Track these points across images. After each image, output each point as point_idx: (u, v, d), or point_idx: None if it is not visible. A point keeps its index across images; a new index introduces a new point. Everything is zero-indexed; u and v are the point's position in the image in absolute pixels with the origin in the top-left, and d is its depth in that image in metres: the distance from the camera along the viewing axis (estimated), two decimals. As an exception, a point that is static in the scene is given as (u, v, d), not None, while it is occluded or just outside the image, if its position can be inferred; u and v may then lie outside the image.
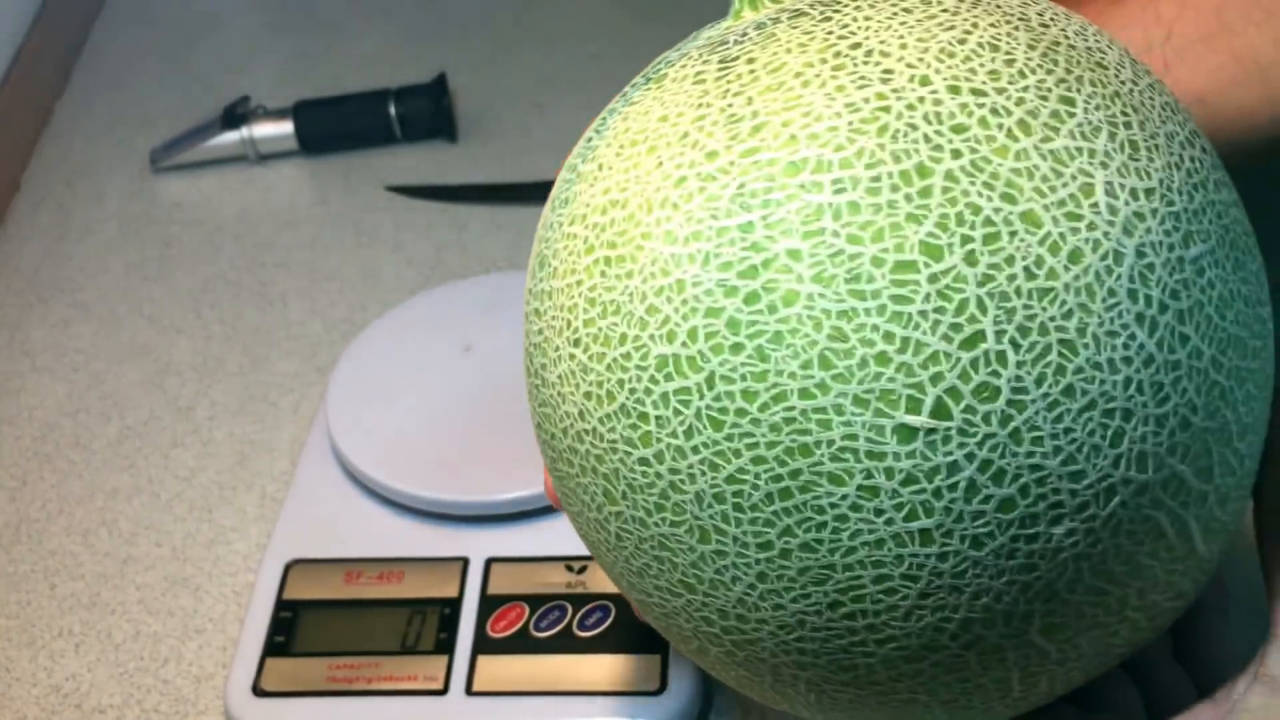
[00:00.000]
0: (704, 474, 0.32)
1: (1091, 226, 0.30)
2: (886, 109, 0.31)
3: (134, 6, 1.00)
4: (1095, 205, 0.31)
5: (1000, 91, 0.31)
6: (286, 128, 0.83)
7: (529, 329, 0.36)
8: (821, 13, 0.34)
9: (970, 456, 0.30)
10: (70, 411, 0.70)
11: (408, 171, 0.83)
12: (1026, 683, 0.34)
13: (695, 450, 0.32)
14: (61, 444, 0.68)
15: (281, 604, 0.57)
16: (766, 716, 0.54)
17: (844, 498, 0.31)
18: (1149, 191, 0.31)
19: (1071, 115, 0.31)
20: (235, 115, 0.83)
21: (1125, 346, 0.30)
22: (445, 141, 0.84)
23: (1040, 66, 0.32)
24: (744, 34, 0.34)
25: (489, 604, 0.56)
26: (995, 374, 0.30)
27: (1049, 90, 0.32)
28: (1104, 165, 0.31)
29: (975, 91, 0.31)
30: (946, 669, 0.33)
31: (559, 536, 0.58)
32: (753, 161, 0.31)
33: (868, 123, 0.31)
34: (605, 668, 0.54)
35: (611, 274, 0.33)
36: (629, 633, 0.55)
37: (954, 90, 0.31)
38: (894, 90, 0.31)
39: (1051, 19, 0.34)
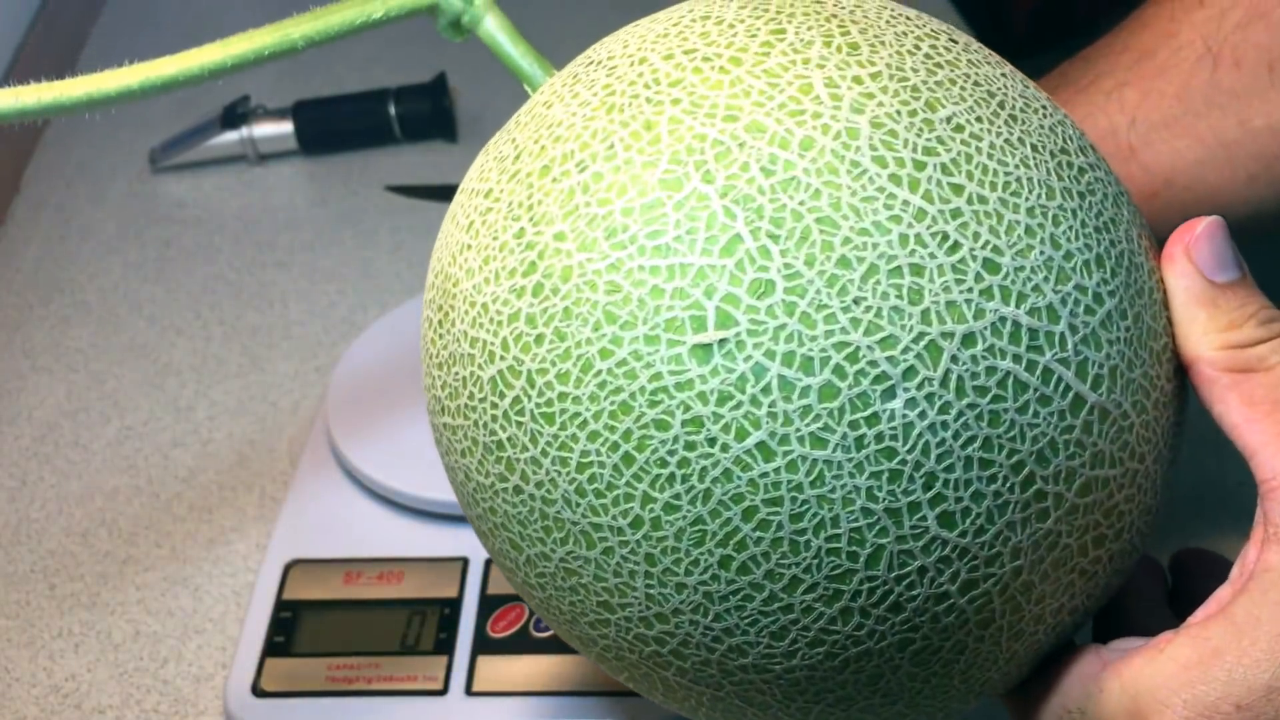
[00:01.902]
0: (560, 473, 0.33)
1: (816, 115, 0.32)
2: (612, 92, 0.34)
3: (134, 6, 1.00)
4: (817, 98, 0.32)
5: (710, 44, 0.34)
6: (286, 128, 0.83)
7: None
8: (586, 59, 0.37)
9: (770, 354, 0.31)
10: (70, 411, 0.70)
11: (407, 171, 0.83)
12: (969, 592, 0.32)
13: (544, 454, 0.33)
14: (61, 444, 0.68)
15: (281, 604, 0.57)
16: (766, 716, 0.54)
17: (675, 440, 0.31)
18: (875, 75, 0.33)
19: (781, 39, 0.34)
20: (235, 115, 0.83)
21: (888, 207, 0.31)
22: (445, 141, 0.85)
23: (750, 16, 0.34)
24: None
25: (489, 604, 0.56)
26: (763, 269, 0.31)
27: (758, 30, 0.34)
28: (820, 67, 0.33)
29: (687, 52, 0.34)
30: (870, 599, 0.32)
31: (559, 536, 0.58)
32: (511, 179, 0.34)
33: (597, 110, 0.34)
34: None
35: (442, 332, 0.35)
36: (629, 633, 0.55)
37: (668, 58, 0.34)
38: (618, 78, 0.34)
39: None
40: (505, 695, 0.53)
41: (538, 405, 0.33)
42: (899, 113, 0.32)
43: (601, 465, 0.32)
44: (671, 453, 0.31)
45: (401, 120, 0.84)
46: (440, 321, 0.36)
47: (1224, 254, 0.35)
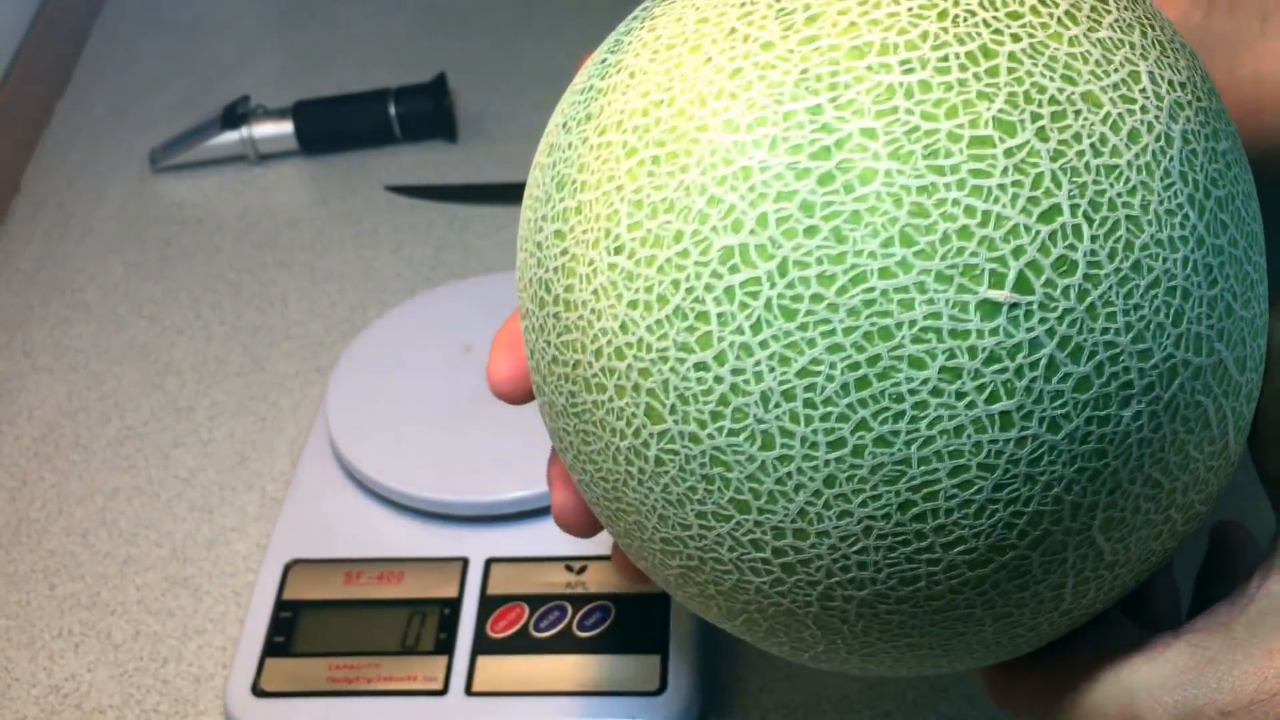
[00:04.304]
0: (772, 370, 0.30)
1: (1144, 110, 0.31)
2: None
3: (134, 6, 1.00)
4: (1144, 90, 0.31)
5: None
6: (286, 128, 0.83)
7: (544, 257, 0.35)
8: None
9: (1050, 332, 0.30)
10: (70, 411, 0.70)
11: (407, 171, 0.83)
12: (1078, 590, 0.33)
13: (763, 345, 0.30)
14: (61, 444, 0.68)
15: (281, 604, 0.57)
16: (766, 717, 0.54)
17: (925, 382, 0.30)
18: (1183, 85, 0.32)
19: (1109, 11, 0.32)
20: (235, 115, 0.83)
21: (1181, 225, 0.31)
22: (445, 141, 0.85)
23: None
24: None
25: (489, 604, 0.56)
26: (1072, 247, 0.30)
27: None
28: (1144, 57, 0.31)
29: None
30: (1010, 573, 0.32)
31: (559, 537, 0.58)
32: (813, 48, 0.31)
33: (926, 8, 0.31)
34: (605, 668, 0.54)
35: (662, 172, 0.31)
36: (629, 633, 0.55)
37: None
38: None
39: None
40: (505, 695, 0.53)
41: (780, 295, 0.30)
42: (1198, 133, 0.32)
43: (829, 379, 0.30)
44: (914, 392, 0.30)
45: (401, 120, 0.84)
46: (661, 159, 0.32)
47: None
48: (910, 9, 0.31)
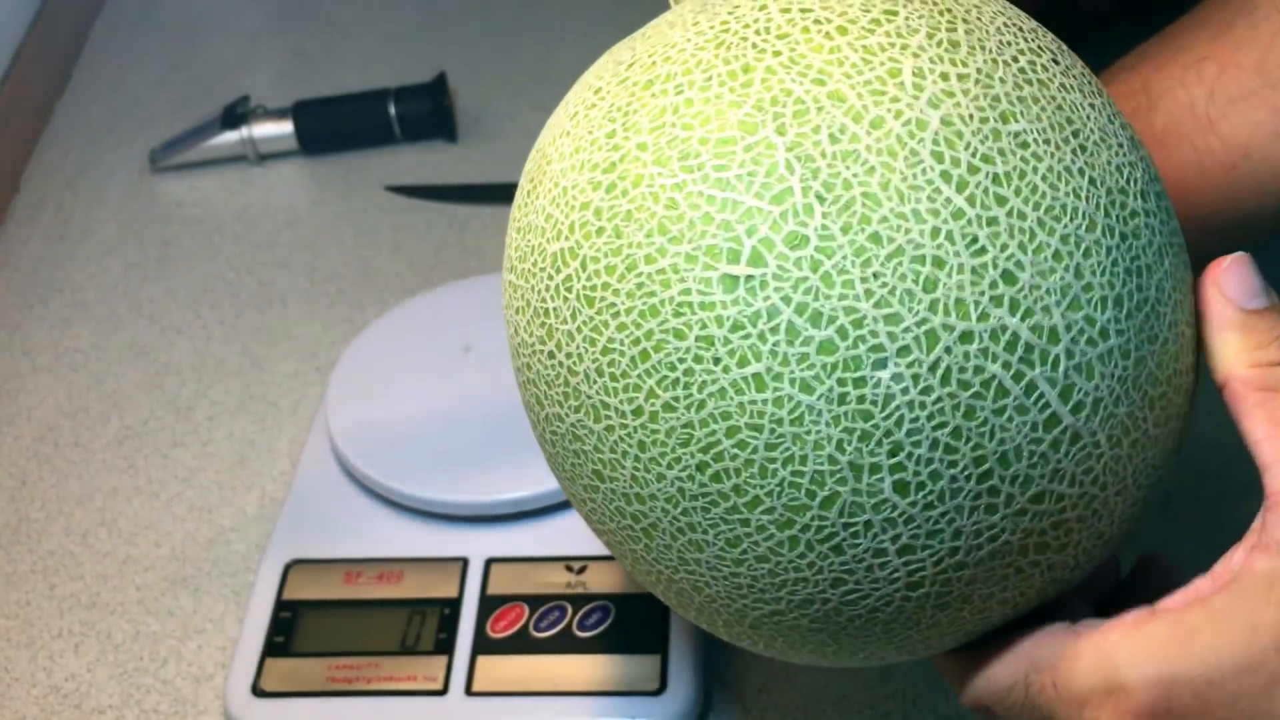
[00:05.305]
0: (587, 351, 0.36)
1: (895, 99, 0.34)
2: (727, 30, 0.36)
3: (134, 6, 1.00)
4: (901, 83, 0.35)
5: (826, 8, 0.36)
6: (286, 128, 0.83)
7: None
8: None
9: (786, 299, 0.34)
10: (70, 411, 0.70)
11: (407, 171, 0.83)
12: (904, 552, 0.35)
13: (579, 330, 0.36)
14: (61, 444, 0.68)
15: (281, 604, 0.57)
16: (766, 717, 0.54)
17: (687, 351, 0.34)
18: (963, 76, 0.35)
19: (891, 20, 0.36)
20: (235, 115, 0.83)
21: (931, 199, 0.34)
22: (445, 141, 0.85)
23: None
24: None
25: (488, 604, 0.56)
26: (803, 224, 0.34)
27: (873, 5, 0.36)
28: (915, 56, 0.35)
29: (803, 10, 0.36)
30: (817, 535, 0.35)
31: (559, 537, 0.58)
32: (621, 87, 0.37)
33: (709, 42, 0.36)
34: (605, 668, 0.54)
35: (528, 201, 0.39)
36: (629, 633, 0.55)
37: (784, 11, 0.36)
38: (737, 18, 0.37)
39: None
40: (505, 695, 0.53)
41: (584, 288, 0.36)
42: (971, 116, 0.34)
43: (621, 354, 0.36)
44: (681, 360, 0.35)
45: (401, 120, 0.84)
46: (529, 191, 0.39)
47: (1252, 283, 0.37)
48: (696, 44, 0.37)
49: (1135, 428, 0.36)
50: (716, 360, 0.34)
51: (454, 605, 0.56)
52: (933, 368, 0.33)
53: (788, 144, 0.34)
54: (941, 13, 0.36)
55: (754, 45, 0.36)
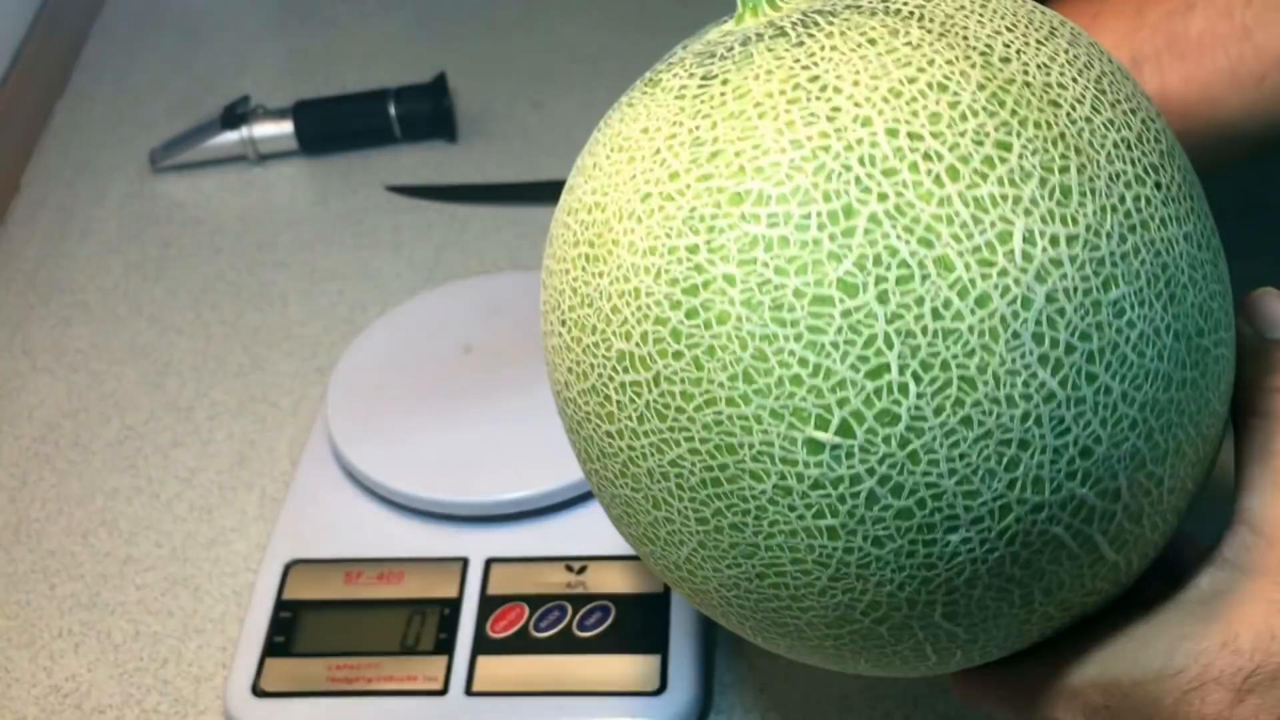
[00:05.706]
0: (652, 455, 0.36)
1: (1003, 273, 0.33)
2: (826, 148, 0.33)
3: (134, 6, 1.00)
4: (1010, 252, 0.33)
5: (937, 136, 0.33)
6: (286, 128, 0.83)
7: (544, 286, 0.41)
8: (797, 36, 0.36)
9: (870, 471, 0.33)
10: (70, 411, 0.70)
11: (408, 171, 0.83)
12: (941, 653, 0.37)
13: (646, 434, 0.36)
14: (61, 444, 0.68)
15: (281, 604, 0.57)
16: (766, 717, 0.54)
17: (762, 493, 0.34)
18: (1072, 239, 0.33)
19: (1004, 161, 0.33)
20: (235, 115, 0.83)
21: (1025, 384, 0.33)
22: (445, 141, 0.85)
23: (984, 109, 0.34)
24: (731, 48, 0.36)
25: (489, 604, 0.56)
26: (896, 403, 0.33)
27: (986, 135, 0.33)
28: (1027, 213, 0.33)
29: (912, 135, 0.33)
30: (863, 637, 0.37)
31: (559, 537, 0.58)
32: (705, 187, 0.34)
33: (807, 160, 0.34)
34: (605, 668, 0.54)
35: (590, 270, 0.37)
36: (629, 633, 0.55)
37: (891, 134, 0.33)
38: (836, 130, 0.34)
39: (1019, 50, 0.35)
40: (505, 695, 0.53)
41: (656, 401, 0.35)
42: (1075, 290, 0.33)
43: (691, 473, 0.35)
44: (754, 498, 0.35)
45: (401, 120, 0.84)
46: (590, 258, 0.37)
47: (1275, 315, 0.39)
48: (793, 159, 0.34)
49: (1155, 548, 0.38)
50: (791, 508, 0.34)
51: (454, 605, 0.56)
52: (1000, 534, 0.34)
53: (888, 315, 0.33)
54: (1054, 141, 0.34)
55: (857, 180, 0.33)
